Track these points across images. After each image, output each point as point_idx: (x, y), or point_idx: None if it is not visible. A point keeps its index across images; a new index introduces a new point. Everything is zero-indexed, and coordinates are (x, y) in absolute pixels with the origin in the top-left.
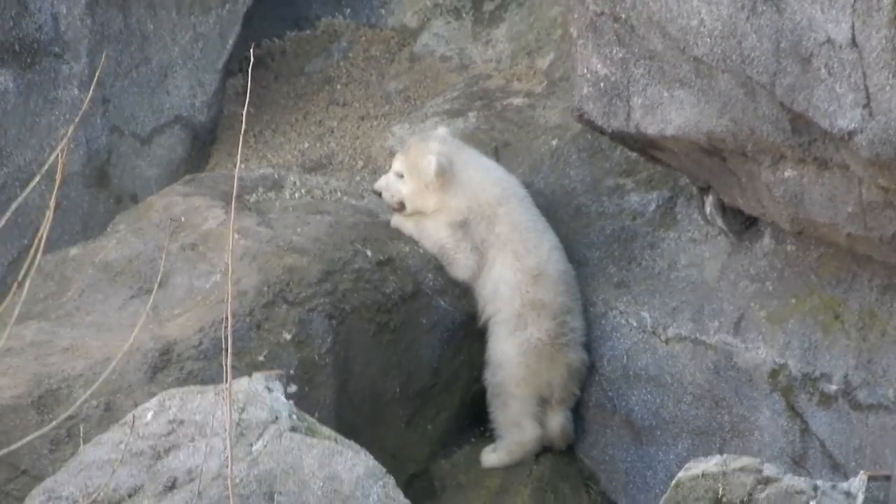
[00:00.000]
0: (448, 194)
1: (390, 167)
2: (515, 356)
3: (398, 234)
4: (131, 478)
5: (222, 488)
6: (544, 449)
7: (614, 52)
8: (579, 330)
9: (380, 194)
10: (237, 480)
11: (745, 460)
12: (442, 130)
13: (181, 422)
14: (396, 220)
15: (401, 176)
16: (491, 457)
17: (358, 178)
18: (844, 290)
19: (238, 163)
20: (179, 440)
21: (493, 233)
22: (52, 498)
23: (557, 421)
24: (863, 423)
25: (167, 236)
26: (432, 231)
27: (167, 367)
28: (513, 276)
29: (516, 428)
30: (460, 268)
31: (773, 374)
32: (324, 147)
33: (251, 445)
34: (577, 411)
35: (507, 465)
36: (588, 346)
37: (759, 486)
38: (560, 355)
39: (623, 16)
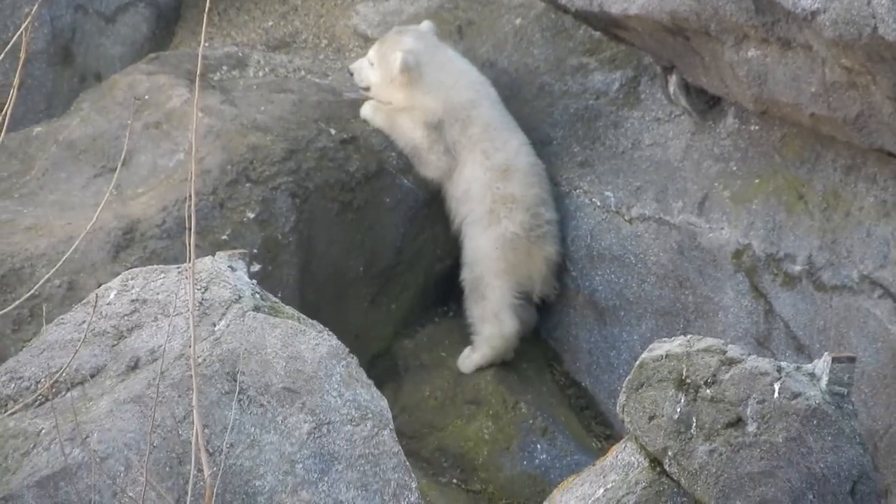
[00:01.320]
0: (417, 92)
1: (356, 46)
2: (493, 251)
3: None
4: (94, 357)
5: (185, 368)
6: None
7: None
8: (554, 223)
9: (352, 74)
10: (200, 360)
11: (709, 341)
12: (425, 25)
13: (144, 301)
14: (367, 111)
15: (372, 64)
16: (470, 358)
17: (322, 56)
18: (808, 171)
19: (202, 41)
20: (142, 320)
21: (466, 135)
22: (14, 378)
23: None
24: (827, 304)
25: (131, 115)
26: (406, 129)
27: (130, 246)
28: (483, 174)
29: (495, 320)
30: (432, 168)
31: (737, 254)
32: (288, 25)
33: (214, 325)
34: None
35: (489, 361)
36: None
37: (724, 367)
38: (537, 248)
39: None
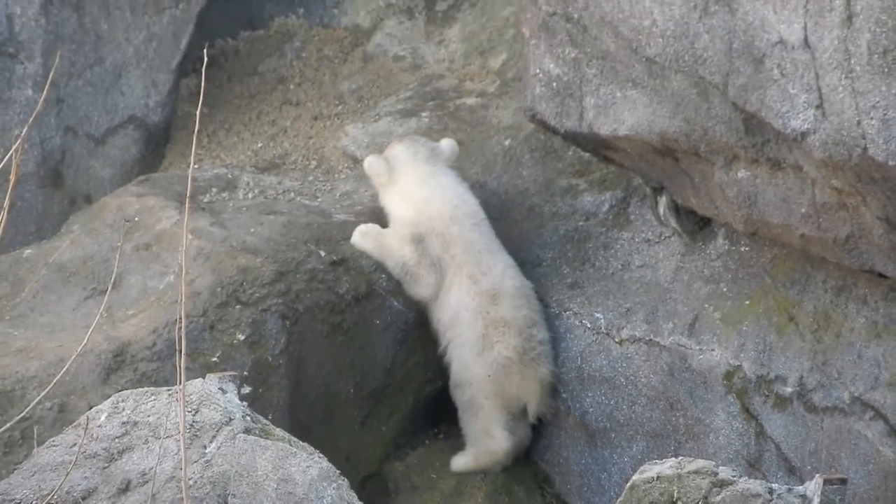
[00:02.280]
0: (391, 199)
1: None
2: (485, 375)
3: (351, 235)
4: (85, 480)
5: (176, 490)
6: None
7: (567, 52)
8: (547, 342)
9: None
10: (191, 482)
11: (700, 463)
12: (444, 142)
13: (135, 423)
14: (356, 237)
15: None
16: (459, 460)
17: (311, 178)
18: (799, 292)
19: (192, 163)
20: (133, 442)
21: (449, 253)
22: (6, 501)
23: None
24: (818, 426)
25: (121, 237)
26: (395, 248)
27: (121, 368)
28: (471, 300)
29: (486, 437)
30: (422, 285)
31: (728, 375)
32: (277, 147)
33: (205, 447)
34: None
35: (474, 470)
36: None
37: (715, 490)
38: (529, 371)
39: (575, 16)
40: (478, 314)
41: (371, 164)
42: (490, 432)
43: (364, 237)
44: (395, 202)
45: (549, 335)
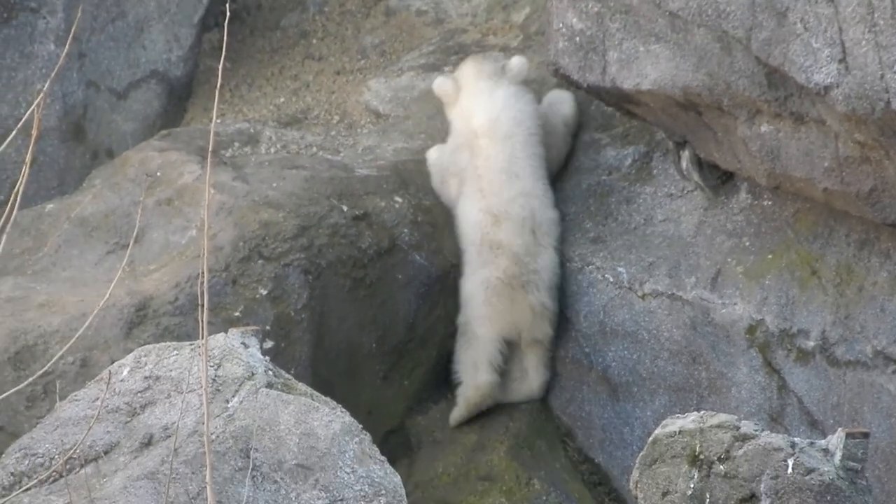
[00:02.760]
0: (453, 115)
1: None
2: (478, 294)
3: (374, 189)
4: (107, 434)
5: (198, 444)
6: (521, 404)
7: (590, 6)
8: (544, 272)
9: None
10: (213, 437)
11: (723, 417)
12: (515, 60)
13: (157, 378)
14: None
15: None
16: (454, 413)
17: (333, 132)
18: (821, 246)
19: (214, 117)
20: (155, 396)
21: (472, 164)
22: (28, 455)
23: (532, 373)
24: (840, 380)
25: (143, 191)
26: (436, 155)
27: (143, 322)
28: (476, 214)
29: (473, 369)
30: (446, 188)
31: (751, 330)
32: (299, 102)
33: (227, 402)
34: (554, 367)
35: (470, 412)
36: (560, 295)
37: (737, 444)
38: (520, 296)
39: None
40: (478, 230)
41: (439, 83)
42: (477, 365)
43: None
44: (454, 117)
45: (550, 266)
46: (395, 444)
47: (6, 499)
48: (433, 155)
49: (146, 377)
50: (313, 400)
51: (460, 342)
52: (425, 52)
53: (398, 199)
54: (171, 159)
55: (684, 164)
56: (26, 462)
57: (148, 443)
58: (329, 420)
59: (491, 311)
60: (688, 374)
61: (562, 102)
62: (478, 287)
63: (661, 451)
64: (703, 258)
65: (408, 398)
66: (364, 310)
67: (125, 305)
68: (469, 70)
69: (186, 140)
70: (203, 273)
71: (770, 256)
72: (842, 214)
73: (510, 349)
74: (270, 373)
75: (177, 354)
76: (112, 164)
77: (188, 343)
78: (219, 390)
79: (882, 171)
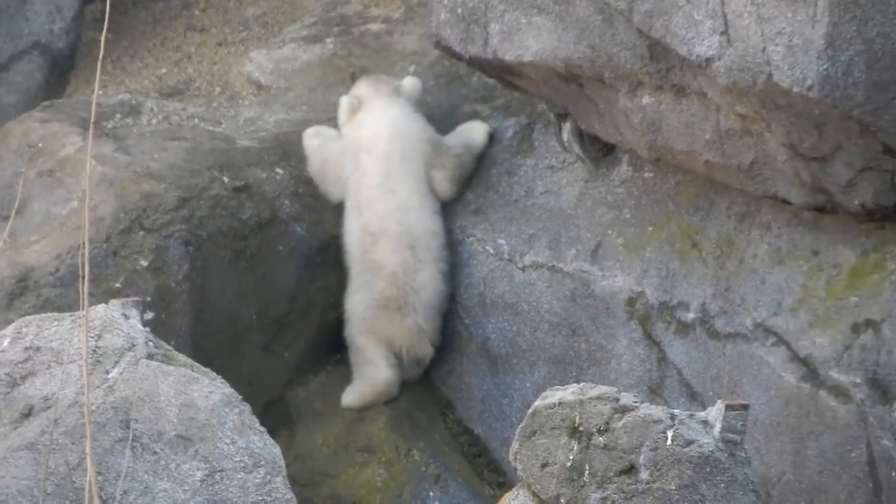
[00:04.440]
0: (347, 124)
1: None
2: (359, 311)
3: (255, 161)
4: None
5: (78, 415)
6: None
7: None
8: (423, 291)
9: None
10: (93, 408)
11: (602, 389)
12: (407, 80)
13: (38, 349)
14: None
15: None
16: (347, 396)
17: (215, 104)
18: (702, 218)
19: (96, 89)
20: (36, 367)
21: (354, 177)
22: None
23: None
24: (720, 352)
25: (24, 162)
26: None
27: (24, 293)
28: (355, 234)
29: (369, 367)
30: (328, 186)
31: (630, 302)
32: (181, 73)
33: (107, 373)
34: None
35: (363, 405)
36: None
37: (616, 415)
38: (397, 318)
39: None
40: (359, 248)
41: (343, 101)
42: (372, 362)
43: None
44: (349, 130)
45: (428, 283)
46: (275, 416)
47: None
48: (313, 142)
49: (26, 348)
50: (193, 371)
51: (350, 350)
52: (307, 24)
53: (279, 170)
54: (52, 130)
55: (565, 135)
56: None
57: (28, 413)
58: (209, 391)
59: (371, 329)
60: (567, 346)
61: (473, 131)
62: (357, 306)
63: (541, 422)
64: (584, 230)
65: (288, 370)
66: (245, 281)
67: (6, 276)
68: (366, 89)
69: (68, 111)
70: (84, 244)
71: (650, 229)
72: (723, 187)
73: None
74: (151, 344)
75: (57, 325)
76: None
77: (69, 314)
78: (99, 361)
79: (763, 143)
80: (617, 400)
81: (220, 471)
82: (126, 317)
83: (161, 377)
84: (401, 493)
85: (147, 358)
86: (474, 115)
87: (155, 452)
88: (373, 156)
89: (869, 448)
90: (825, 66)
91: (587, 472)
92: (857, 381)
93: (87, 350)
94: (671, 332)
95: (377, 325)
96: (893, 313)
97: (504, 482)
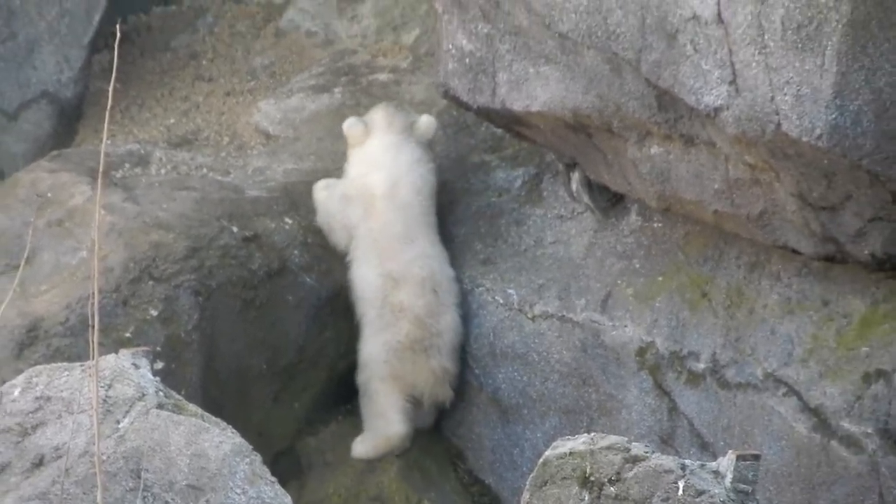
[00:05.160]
0: (353, 156)
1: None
2: (379, 356)
3: (264, 210)
4: None
5: (89, 465)
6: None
7: (479, 27)
8: (446, 334)
9: None
10: (104, 457)
11: (613, 439)
12: (424, 118)
13: (48, 398)
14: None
15: None
16: (358, 447)
17: (224, 153)
18: (712, 268)
19: (104, 138)
20: (47, 417)
21: (367, 224)
22: None
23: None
24: (731, 402)
25: (34, 212)
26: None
27: (34, 343)
28: (376, 279)
29: (383, 420)
30: (335, 238)
31: (641, 352)
32: (190, 123)
33: (118, 422)
34: None
35: (373, 457)
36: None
37: (627, 465)
38: (421, 359)
39: None
40: (379, 293)
41: (351, 125)
42: (386, 415)
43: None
44: (354, 161)
45: (452, 326)
46: (286, 466)
47: None
48: (322, 194)
49: (37, 397)
50: (204, 421)
51: (364, 399)
52: (315, 74)
53: (288, 220)
54: (61, 180)
55: (574, 185)
56: None
57: (39, 463)
58: (220, 441)
59: (392, 374)
60: (578, 396)
61: None
62: (379, 349)
63: (552, 472)
64: (594, 280)
65: (298, 420)
66: (254, 331)
67: (16, 326)
68: (381, 119)
69: (77, 161)
70: (94, 294)
71: (660, 278)
72: (732, 237)
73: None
74: (161, 393)
75: (68, 375)
76: (2, 185)
77: (79, 364)
78: (110, 411)
79: (772, 193)
80: (628, 450)
81: None
82: (136, 366)
83: (172, 427)
84: None
85: (157, 407)
86: (482, 166)
87: (166, 502)
88: (393, 206)
89: (881, 498)
90: (834, 116)
91: None
92: (869, 430)
93: (97, 400)
94: (682, 383)
95: (400, 369)
96: None
97: None
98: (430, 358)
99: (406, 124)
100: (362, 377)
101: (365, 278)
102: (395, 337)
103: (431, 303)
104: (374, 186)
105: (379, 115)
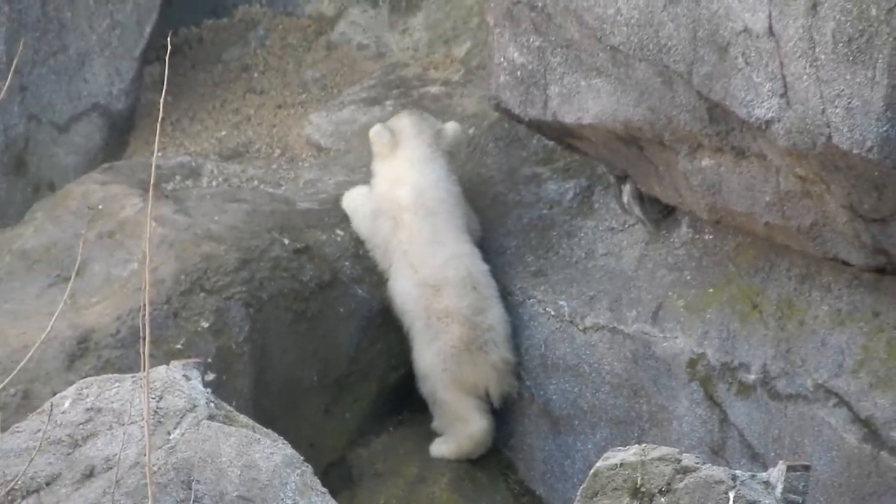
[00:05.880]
0: (381, 169)
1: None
2: (437, 365)
3: (315, 222)
4: (49, 466)
5: (140, 476)
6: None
7: (531, 40)
8: (498, 326)
9: None
10: (155, 468)
11: (664, 450)
12: (450, 125)
13: (99, 410)
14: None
15: None
16: (441, 447)
17: (275, 166)
18: (762, 280)
19: (155, 150)
20: (97, 428)
21: (396, 237)
22: None
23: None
24: (781, 413)
25: (85, 224)
26: (361, 216)
27: (85, 355)
28: (414, 290)
29: (461, 422)
30: (375, 256)
31: (692, 363)
32: (241, 135)
33: (169, 434)
34: None
35: (456, 457)
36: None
37: (678, 476)
38: (480, 357)
39: (539, 4)
40: (421, 304)
41: (378, 133)
42: (463, 417)
43: (349, 199)
44: (382, 173)
45: (500, 318)
46: (337, 477)
47: None
48: (350, 206)
49: (88, 409)
50: (255, 432)
51: (435, 411)
52: (366, 86)
53: (340, 232)
54: (112, 192)
55: (625, 198)
56: None
57: (90, 474)
58: (271, 452)
59: (454, 379)
60: (629, 407)
61: None
62: (435, 359)
63: (603, 483)
64: (645, 292)
65: (349, 431)
66: (305, 343)
67: (67, 338)
68: (408, 128)
69: (128, 173)
70: (144, 305)
71: (711, 290)
72: (783, 248)
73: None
74: (212, 405)
75: (118, 386)
76: (54, 197)
77: (130, 375)
78: (160, 422)
79: (823, 205)
80: (679, 461)
81: None
82: (187, 378)
83: (223, 438)
84: None
85: (208, 419)
86: (534, 178)
87: None
88: (419, 217)
89: None
90: (885, 128)
91: None
92: None
93: (147, 411)
94: (732, 394)
95: (462, 373)
96: None
97: None
98: (489, 353)
99: (433, 133)
100: (426, 388)
101: (404, 290)
102: (448, 343)
103: (475, 301)
104: (401, 199)
105: (406, 124)
